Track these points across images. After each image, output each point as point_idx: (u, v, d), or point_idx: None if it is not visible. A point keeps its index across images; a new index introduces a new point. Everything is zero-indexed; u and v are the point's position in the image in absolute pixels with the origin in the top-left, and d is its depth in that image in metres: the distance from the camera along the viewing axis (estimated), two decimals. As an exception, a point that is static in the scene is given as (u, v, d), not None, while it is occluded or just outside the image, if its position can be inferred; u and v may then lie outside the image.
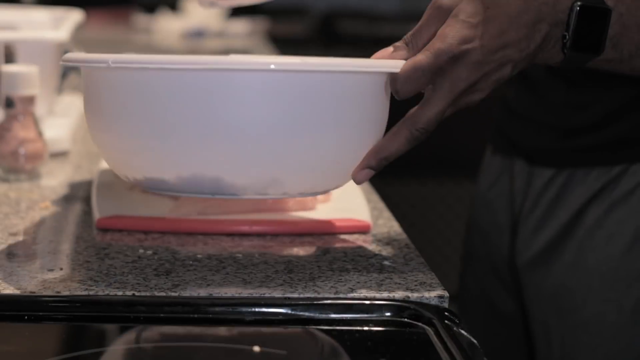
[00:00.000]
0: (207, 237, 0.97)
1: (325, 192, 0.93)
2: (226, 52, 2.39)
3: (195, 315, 0.80)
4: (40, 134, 1.16)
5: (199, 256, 0.92)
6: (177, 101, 0.83)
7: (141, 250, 0.93)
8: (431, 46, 0.88)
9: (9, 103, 1.15)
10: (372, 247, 0.96)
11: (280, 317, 0.81)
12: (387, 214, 1.07)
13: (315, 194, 0.91)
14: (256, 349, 0.76)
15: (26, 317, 0.80)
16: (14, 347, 0.77)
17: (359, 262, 0.92)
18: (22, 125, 1.15)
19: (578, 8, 0.90)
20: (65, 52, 1.45)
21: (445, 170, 3.01)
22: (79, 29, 1.50)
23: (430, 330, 0.80)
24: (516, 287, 1.20)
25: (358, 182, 0.91)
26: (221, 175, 0.86)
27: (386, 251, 0.95)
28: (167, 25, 2.73)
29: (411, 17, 3.67)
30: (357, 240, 0.98)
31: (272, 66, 0.82)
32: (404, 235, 1.00)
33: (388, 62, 0.88)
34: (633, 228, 1.09)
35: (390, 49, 0.92)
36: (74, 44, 1.52)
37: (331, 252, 0.94)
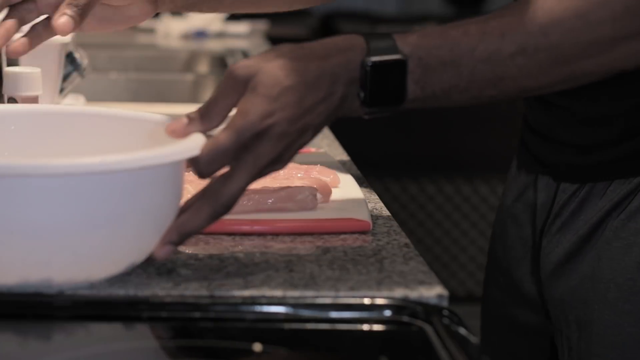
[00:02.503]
0: (208, 237, 0.97)
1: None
2: (227, 53, 2.40)
3: (197, 314, 0.80)
4: (42, 134, 1.17)
5: (200, 255, 0.92)
6: None
7: (143, 250, 0.93)
8: (232, 124, 0.86)
9: (12, 104, 1.16)
10: (372, 246, 0.97)
11: (281, 315, 0.82)
12: (386, 213, 1.07)
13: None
14: (257, 347, 0.77)
15: (29, 316, 0.81)
16: (15, 347, 0.77)
17: (359, 261, 0.92)
18: (25, 126, 1.15)
19: (370, 65, 0.89)
20: (68, 53, 1.46)
21: (445, 171, 3.02)
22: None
23: (429, 329, 0.80)
24: (540, 300, 1.20)
25: (160, 259, 0.87)
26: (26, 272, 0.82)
27: (386, 251, 0.95)
28: (168, 26, 2.74)
29: (410, 19, 3.68)
30: (357, 240, 0.99)
31: (57, 170, 0.79)
32: (403, 235, 1.00)
33: (182, 148, 0.85)
34: None
35: (184, 120, 0.88)
36: (76, 45, 1.52)
37: (331, 251, 0.95)
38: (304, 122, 0.88)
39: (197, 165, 0.86)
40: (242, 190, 0.87)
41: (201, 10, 1.21)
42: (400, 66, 0.91)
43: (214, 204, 0.86)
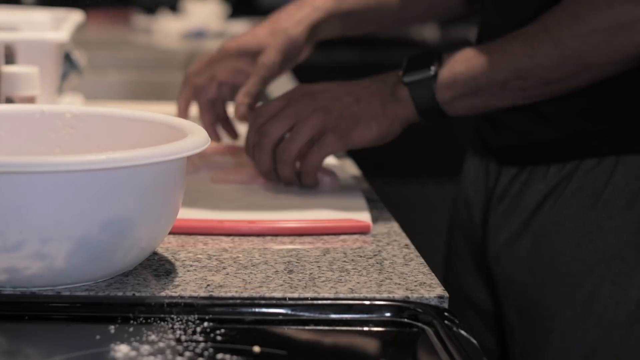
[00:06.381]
0: (207, 238, 0.97)
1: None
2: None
3: (196, 316, 0.80)
4: (40, 134, 1.16)
5: (199, 256, 0.92)
6: None
7: (141, 251, 0.93)
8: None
9: (9, 104, 1.15)
10: (372, 247, 0.96)
11: (280, 317, 0.82)
12: (386, 214, 1.07)
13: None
14: (256, 349, 0.76)
15: (26, 317, 0.80)
16: (14, 347, 0.77)
17: (359, 262, 0.92)
18: (22, 126, 1.15)
19: (407, 57, 1.10)
20: (66, 52, 1.45)
21: (446, 171, 3.01)
22: (79, 30, 1.50)
23: (430, 331, 0.80)
24: (489, 281, 1.23)
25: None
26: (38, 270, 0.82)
27: (386, 251, 0.95)
28: (167, 25, 2.74)
29: (411, 18, 3.68)
30: (357, 240, 0.98)
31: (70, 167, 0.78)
32: (403, 236, 1.00)
33: (184, 146, 0.84)
34: (582, 224, 1.12)
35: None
36: (74, 45, 1.52)
37: (331, 252, 0.94)
38: (345, 91, 1.09)
39: (254, 113, 1.11)
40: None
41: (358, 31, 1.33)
42: (430, 52, 1.10)
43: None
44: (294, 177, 1.10)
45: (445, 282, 1.32)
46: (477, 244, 1.24)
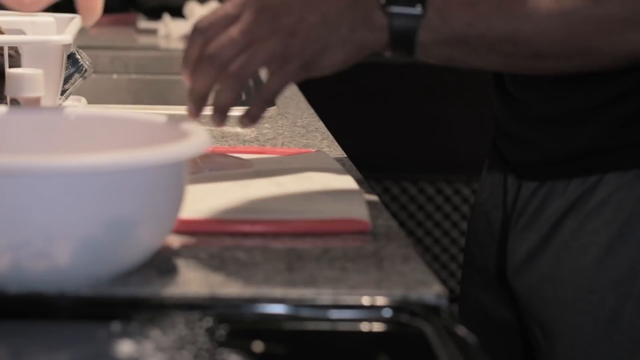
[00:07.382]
0: (209, 237, 0.98)
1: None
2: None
3: (197, 315, 0.81)
4: (44, 136, 1.17)
5: (200, 255, 0.93)
6: None
7: (144, 250, 0.93)
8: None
9: (14, 105, 1.16)
10: (372, 247, 0.97)
11: (281, 315, 0.82)
12: (386, 214, 1.07)
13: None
14: (256, 348, 0.77)
15: (30, 316, 0.81)
16: (18, 346, 0.77)
17: (359, 261, 0.92)
18: (27, 128, 1.16)
19: None
20: (70, 54, 1.46)
21: (446, 171, 3.02)
22: (83, 33, 1.50)
23: (428, 329, 0.80)
24: (509, 296, 1.21)
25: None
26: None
27: (385, 251, 0.96)
28: (171, 29, 2.74)
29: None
30: (357, 239, 0.99)
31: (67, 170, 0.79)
32: (403, 235, 1.00)
33: (187, 146, 0.85)
34: (606, 238, 1.09)
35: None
36: (79, 48, 1.52)
37: (331, 251, 0.95)
38: (310, 9, 0.95)
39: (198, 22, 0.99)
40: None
41: None
42: None
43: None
44: (233, 105, 0.97)
45: (463, 295, 1.30)
46: (496, 260, 1.22)
